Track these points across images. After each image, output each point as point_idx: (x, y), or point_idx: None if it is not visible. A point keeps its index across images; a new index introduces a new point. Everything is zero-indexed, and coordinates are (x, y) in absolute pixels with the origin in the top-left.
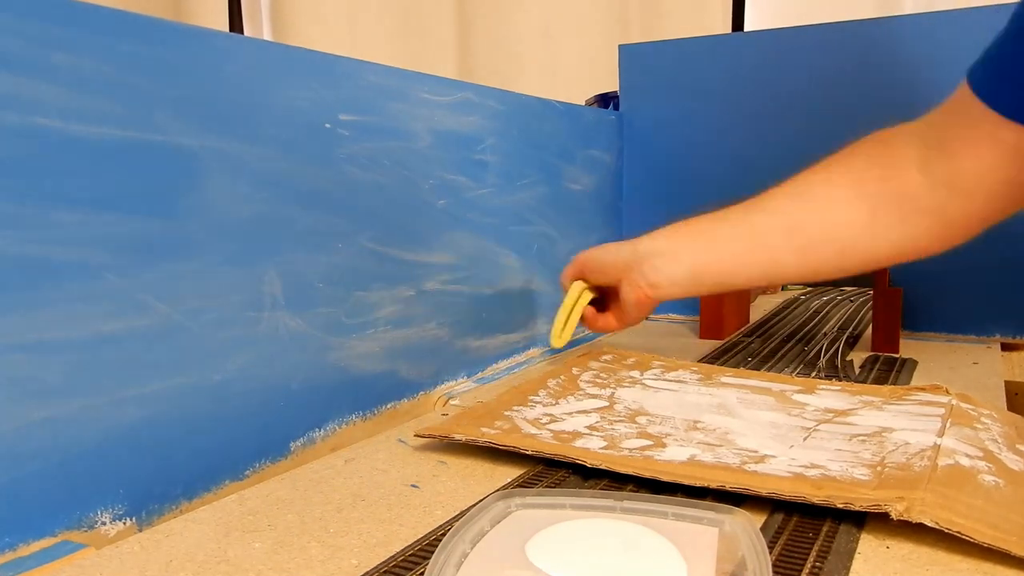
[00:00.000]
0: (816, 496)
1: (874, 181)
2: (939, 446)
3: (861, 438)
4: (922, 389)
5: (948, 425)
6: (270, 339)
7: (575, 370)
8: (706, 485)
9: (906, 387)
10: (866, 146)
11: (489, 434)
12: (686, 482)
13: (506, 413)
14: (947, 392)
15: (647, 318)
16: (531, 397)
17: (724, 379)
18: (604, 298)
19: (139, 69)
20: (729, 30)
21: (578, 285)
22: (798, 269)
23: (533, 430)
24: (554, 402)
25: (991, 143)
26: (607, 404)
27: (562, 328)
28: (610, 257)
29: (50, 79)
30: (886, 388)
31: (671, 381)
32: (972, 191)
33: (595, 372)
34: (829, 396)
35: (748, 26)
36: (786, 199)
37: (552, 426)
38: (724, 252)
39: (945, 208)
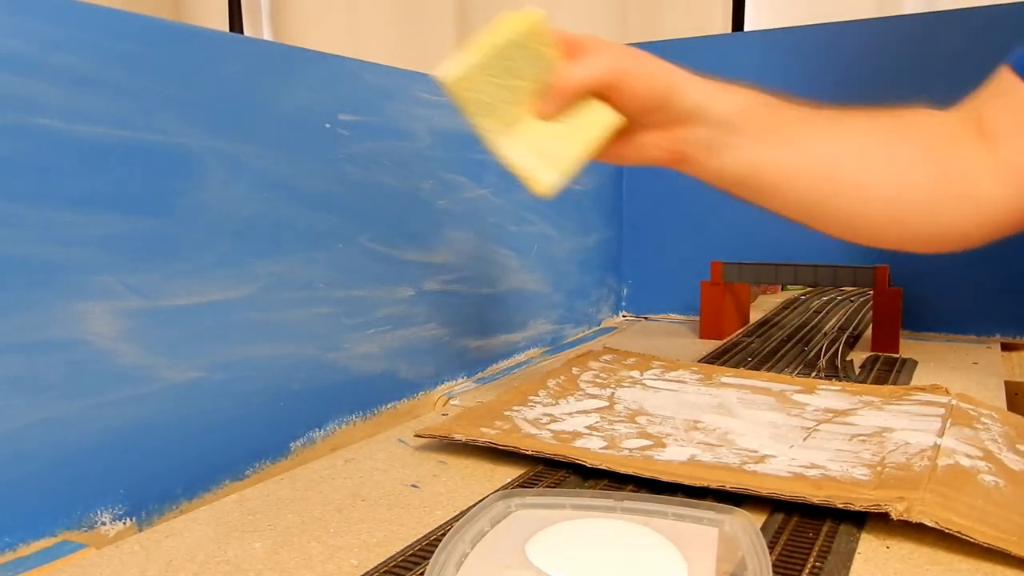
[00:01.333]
0: (816, 496)
1: (943, 151)
2: (939, 446)
3: (861, 438)
4: (922, 389)
5: (948, 425)
6: (270, 339)
7: (575, 370)
8: (706, 485)
9: (906, 387)
10: (927, 114)
11: (489, 434)
12: (686, 482)
13: (506, 413)
14: (947, 392)
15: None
16: (531, 397)
17: (724, 379)
18: None
19: (139, 69)
20: (729, 30)
21: (606, 113)
22: (847, 219)
23: (533, 430)
24: (554, 402)
25: None
26: (607, 404)
27: (569, 161)
28: (674, 94)
29: (50, 79)
30: (886, 388)
31: (671, 381)
32: (1009, 185)
33: (595, 372)
34: (829, 396)
35: (748, 26)
36: (865, 132)
37: (552, 426)
38: (793, 167)
39: (993, 203)
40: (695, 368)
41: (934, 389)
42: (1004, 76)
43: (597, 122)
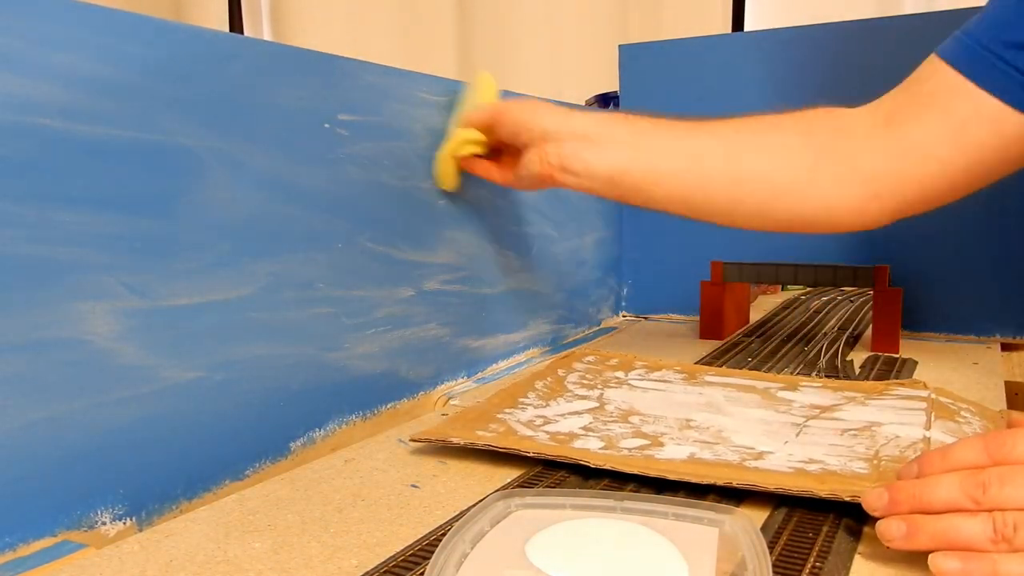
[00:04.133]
0: (822, 490)
1: (824, 134)
2: (929, 439)
3: (852, 432)
4: (901, 384)
5: (933, 419)
6: (270, 339)
7: (560, 372)
8: (713, 482)
9: (886, 382)
10: (820, 110)
11: (486, 437)
12: (693, 480)
13: (499, 416)
14: (925, 387)
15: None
16: (520, 400)
17: (708, 378)
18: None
19: (139, 69)
20: (729, 30)
21: (473, 135)
22: (723, 203)
23: (529, 432)
24: (544, 404)
25: (942, 112)
26: (597, 405)
27: (447, 171)
28: (530, 119)
29: (50, 79)
30: (867, 384)
31: (656, 381)
32: (915, 158)
33: (580, 374)
34: (812, 392)
35: (748, 26)
36: (733, 129)
37: (547, 428)
38: (656, 161)
39: (880, 176)
40: (678, 368)
41: (912, 384)
42: (925, 64)
43: (466, 138)
